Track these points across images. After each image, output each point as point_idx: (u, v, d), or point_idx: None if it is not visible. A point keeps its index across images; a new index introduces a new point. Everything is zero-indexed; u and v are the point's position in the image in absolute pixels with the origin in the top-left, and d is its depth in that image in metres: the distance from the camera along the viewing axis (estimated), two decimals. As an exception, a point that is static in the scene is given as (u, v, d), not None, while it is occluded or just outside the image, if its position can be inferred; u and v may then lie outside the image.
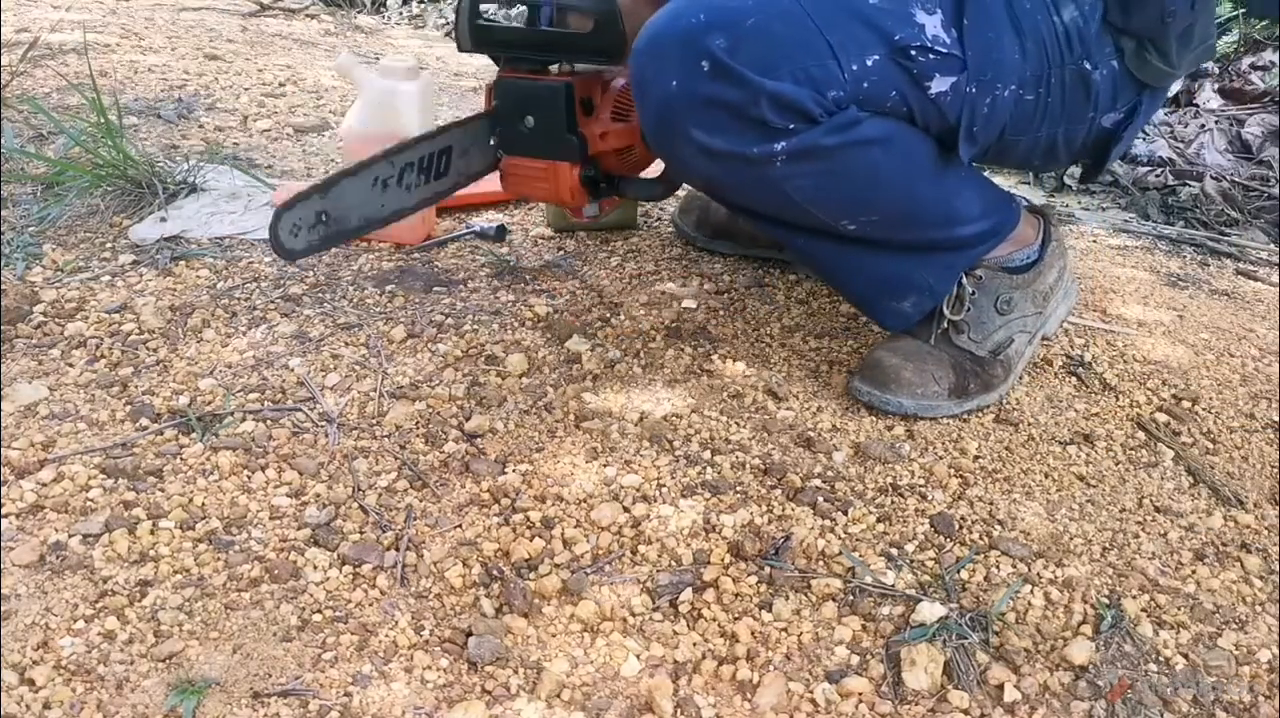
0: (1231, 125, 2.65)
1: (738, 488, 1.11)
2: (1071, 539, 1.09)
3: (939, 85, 1.11)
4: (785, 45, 1.06)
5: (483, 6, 1.25)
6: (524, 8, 1.25)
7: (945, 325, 1.29)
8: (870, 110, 1.11)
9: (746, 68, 1.05)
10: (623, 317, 1.45)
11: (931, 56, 1.09)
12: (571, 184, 1.27)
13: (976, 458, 1.21)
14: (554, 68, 1.27)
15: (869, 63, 1.08)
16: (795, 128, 1.08)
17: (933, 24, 1.09)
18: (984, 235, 1.28)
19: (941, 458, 1.20)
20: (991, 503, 1.13)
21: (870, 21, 1.08)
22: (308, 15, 3.97)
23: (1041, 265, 1.34)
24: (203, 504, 1.03)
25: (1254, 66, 2.91)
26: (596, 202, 1.34)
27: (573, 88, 1.24)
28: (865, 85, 1.09)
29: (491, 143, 1.32)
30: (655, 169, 1.37)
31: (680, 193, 1.97)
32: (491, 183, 1.85)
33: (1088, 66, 1.18)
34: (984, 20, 1.12)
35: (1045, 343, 1.46)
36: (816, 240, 1.24)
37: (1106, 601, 1.01)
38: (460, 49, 1.28)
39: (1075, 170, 2.59)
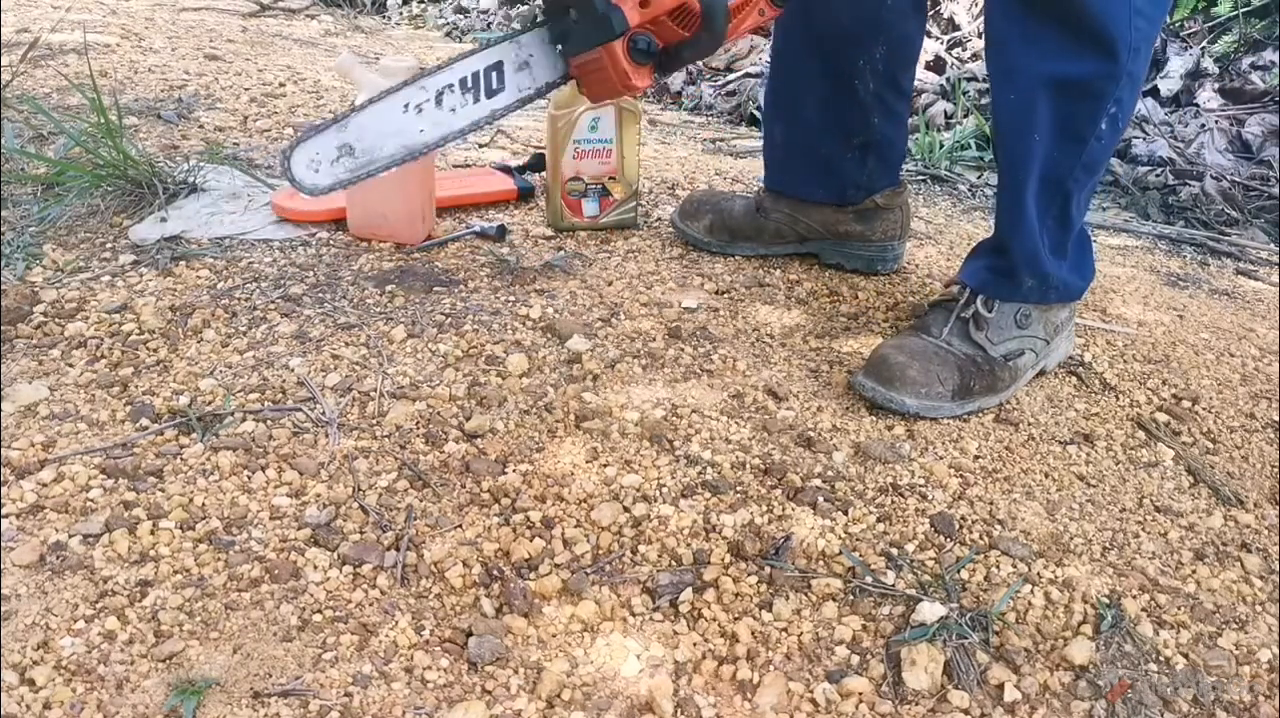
0: (1231, 125, 2.65)
1: (738, 488, 1.11)
2: (1071, 539, 1.09)
3: None
4: None
5: None
6: None
7: (968, 316, 1.31)
8: None
9: None
10: (623, 317, 1.45)
11: None
12: (622, 65, 1.20)
13: (976, 458, 1.21)
14: None
15: None
16: None
17: None
18: (1078, 289, 1.37)
19: (941, 458, 1.20)
20: (991, 503, 1.13)
21: None
22: (308, 15, 3.97)
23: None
24: (203, 504, 1.03)
25: (1254, 66, 2.90)
26: (663, 78, 1.26)
27: None
28: None
29: (558, 49, 1.26)
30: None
31: (680, 192, 1.98)
32: (490, 183, 1.86)
33: None
34: None
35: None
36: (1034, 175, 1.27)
37: (1106, 600, 1.01)
38: None
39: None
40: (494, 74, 1.24)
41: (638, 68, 1.21)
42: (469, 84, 1.23)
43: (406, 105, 1.20)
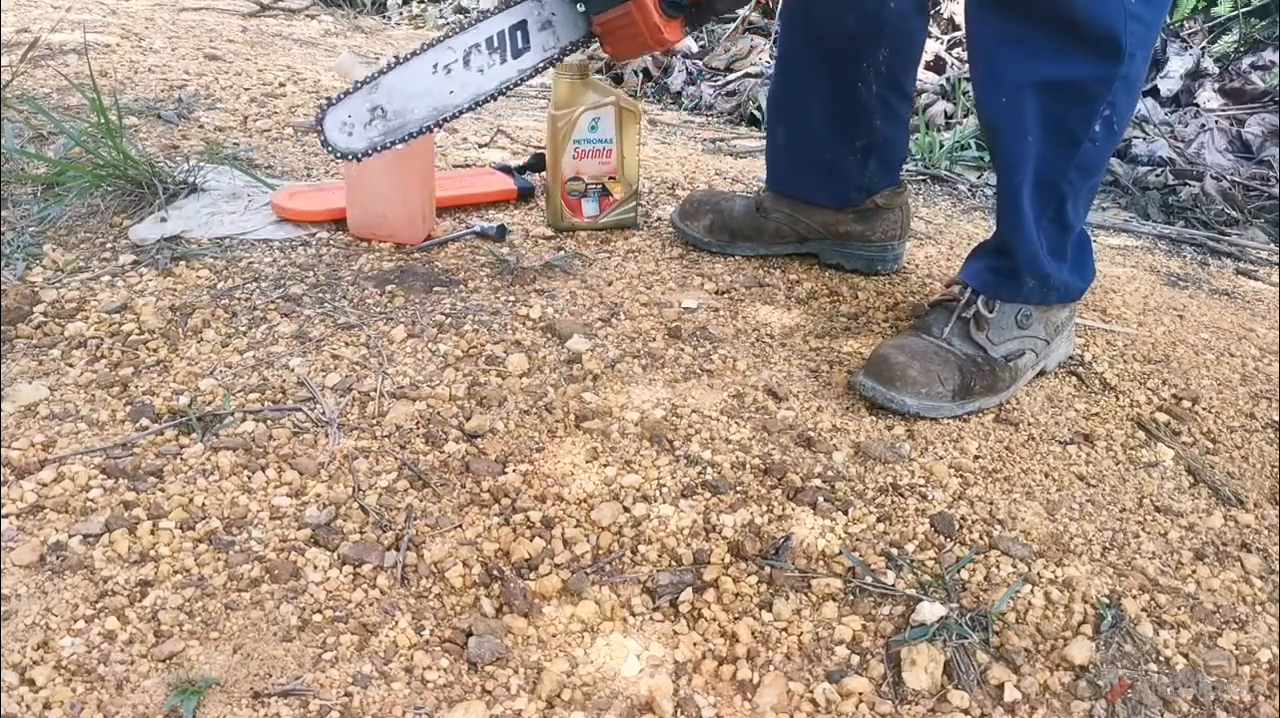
0: (1231, 125, 2.65)
1: (738, 488, 1.11)
2: (1071, 539, 1.09)
3: None
4: None
5: None
6: None
7: (969, 316, 1.31)
8: None
9: None
10: (623, 316, 1.45)
11: None
12: (654, 18, 1.19)
13: (976, 458, 1.21)
14: None
15: None
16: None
17: None
18: (1079, 290, 1.37)
19: (941, 458, 1.20)
20: (991, 503, 1.13)
21: None
22: (308, 15, 3.97)
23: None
24: (203, 504, 1.03)
25: (1254, 66, 2.90)
26: (693, 31, 1.24)
27: None
28: None
29: (580, 8, 1.27)
30: None
31: (680, 192, 1.98)
32: (490, 183, 1.86)
33: None
34: None
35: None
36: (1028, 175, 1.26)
37: (1106, 600, 1.01)
38: None
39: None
40: (519, 33, 1.25)
41: (669, 21, 1.20)
42: (495, 44, 1.24)
43: (435, 66, 1.21)
